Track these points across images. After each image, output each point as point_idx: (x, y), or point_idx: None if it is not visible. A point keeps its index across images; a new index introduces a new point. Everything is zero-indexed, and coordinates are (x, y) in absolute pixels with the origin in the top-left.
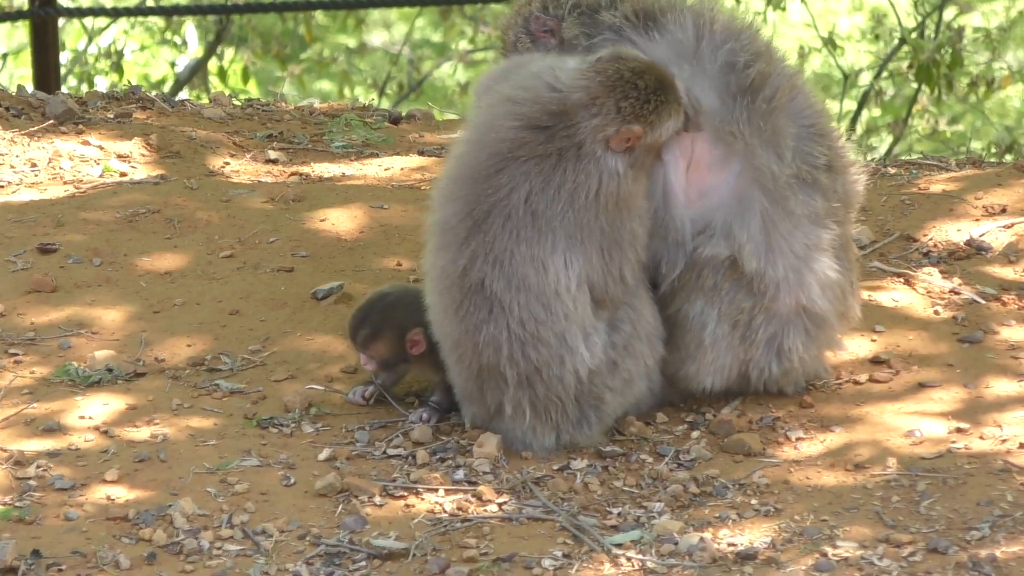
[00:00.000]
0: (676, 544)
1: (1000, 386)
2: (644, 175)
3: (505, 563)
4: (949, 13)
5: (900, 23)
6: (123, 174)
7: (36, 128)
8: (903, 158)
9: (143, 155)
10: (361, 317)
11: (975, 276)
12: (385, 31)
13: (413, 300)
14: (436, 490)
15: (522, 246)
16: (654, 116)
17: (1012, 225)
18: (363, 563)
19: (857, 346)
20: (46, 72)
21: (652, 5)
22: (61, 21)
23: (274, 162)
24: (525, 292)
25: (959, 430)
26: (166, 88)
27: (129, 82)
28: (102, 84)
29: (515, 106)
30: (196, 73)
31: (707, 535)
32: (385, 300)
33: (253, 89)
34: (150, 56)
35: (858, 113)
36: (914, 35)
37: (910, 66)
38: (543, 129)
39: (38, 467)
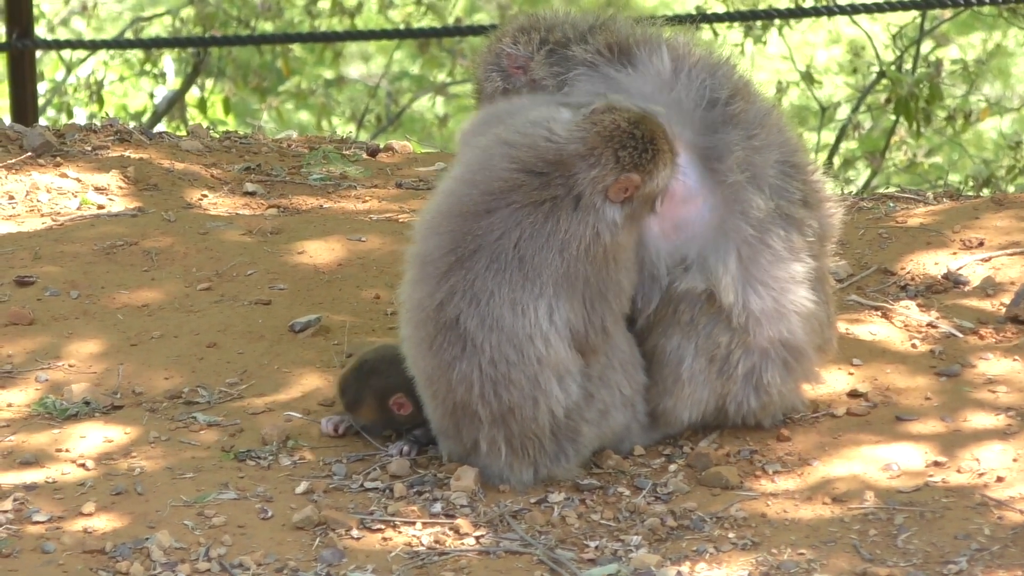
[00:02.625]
0: None
1: (977, 419)
2: (636, 228)
3: None
4: (927, 46)
5: (878, 56)
6: (101, 207)
7: (14, 160)
8: (880, 191)
9: (121, 188)
10: (342, 388)
11: (953, 310)
12: (363, 64)
13: (392, 362)
14: (414, 523)
15: (504, 288)
16: (652, 165)
17: (990, 259)
18: None
19: (835, 379)
20: (23, 104)
21: (626, 39)
22: (39, 52)
23: (252, 195)
24: (498, 332)
25: (936, 463)
26: (145, 119)
27: (107, 114)
28: (81, 115)
29: (511, 149)
30: (174, 105)
31: (684, 568)
32: (363, 369)
33: (231, 121)
34: (129, 87)
35: (836, 146)
36: (892, 68)
37: (888, 100)
38: (539, 175)
39: (15, 500)
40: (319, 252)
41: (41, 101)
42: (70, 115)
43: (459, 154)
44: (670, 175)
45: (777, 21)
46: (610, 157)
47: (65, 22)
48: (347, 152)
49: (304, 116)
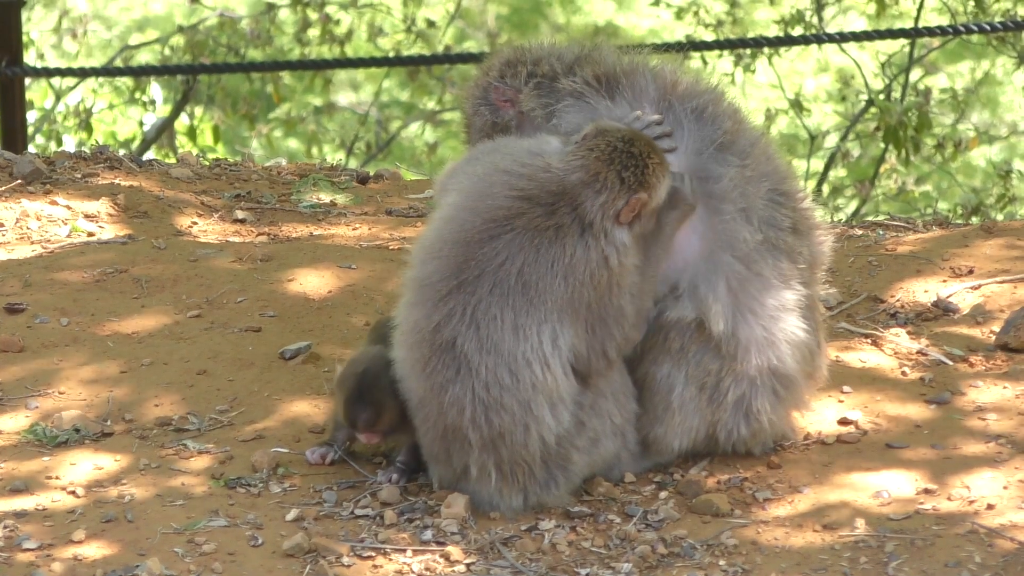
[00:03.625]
0: None
1: (968, 447)
2: (639, 248)
3: None
4: (915, 74)
5: (867, 84)
6: (91, 234)
7: (3, 188)
8: (870, 219)
9: (111, 215)
10: (354, 408)
11: (942, 337)
12: (352, 91)
13: (387, 365)
14: (404, 550)
15: (508, 312)
16: (654, 179)
17: (979, 286)
18: None
19: (825, 407)
20: (12, 131)
21: (613, 69)
22: (28, 80)
23: (242, 222)
24: (495, 355)
25: (927, 491)
26: (134, 146)
27: (97, 141)
28: (70, 143)
29: (511, 178)
30: (163, 132)
31: None
32: (367, 379)
33: (220, 149)
34: (118, 114)
35: (825, 174)
36: (881, 96)
37: (877, 128)
38: (542, 204)
39: (5, 527)
40: (309, 279)
41: (30, 129)
42: (59, 143)
43: (438, 201)
44: (668, 186)
45: (766, 49)
46: (615, 180)
47: (56, 45)
48: (337, 180)
49: (293, 143)
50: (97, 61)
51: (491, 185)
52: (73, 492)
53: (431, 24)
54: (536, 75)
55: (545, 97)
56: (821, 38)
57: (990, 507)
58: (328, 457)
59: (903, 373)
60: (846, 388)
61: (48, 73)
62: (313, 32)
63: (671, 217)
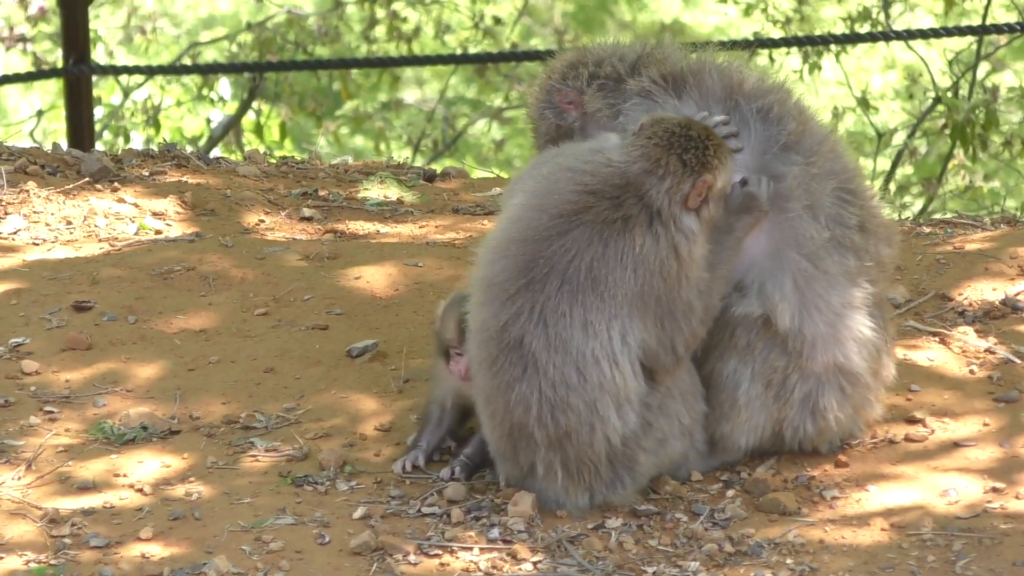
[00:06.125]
0: None
1: None
2: (706, 238)
3: None
4: (982, 71)
5: (934, 82)
6: (158, 232)
7: (71, 186)
8: (937, 217)
9: (178, 213)
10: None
11: (1010, 335)
12: (417, 88)
13: None
14: (471, 548)
15: (577, 309)
16: (716, 160)
17: None
18: None
19: (892, 405)
20: (80, 129)
21: (679, 67)
22: (95, 77)
23: (309, 220)
24: (563, 354)
25: (995, 489)
26: (201, 143)
27: (164, 139)
28: (137, 139)
29: (576, 175)
30: (230, 130)
31: None
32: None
33: (287, 146)
34: (186, 111)
35: (892, 172)
36: (948, 94)
37: (944, 126)
38: (608, 198)
39: (73, 525)
40: (376, 277)
41: (97, 126)
42: (127, 139)
43: (505, 205)
44: (732, 169)
45: (833, 47)
46: (677, 164)
47: (128, 39)
48: (404, 177)
49: (360, 141)
50: (165, 59)
51: (556, 182)
52: (140, 490)
53: (498, 21)
54: (599, 76)
55: (610, 97)
56: (888, 35)
57: None
58: (409, 464)
59: (971, 371)
60: (913, 386)
61: (115, 71)
62: (380, 29)
63: (743, 220)
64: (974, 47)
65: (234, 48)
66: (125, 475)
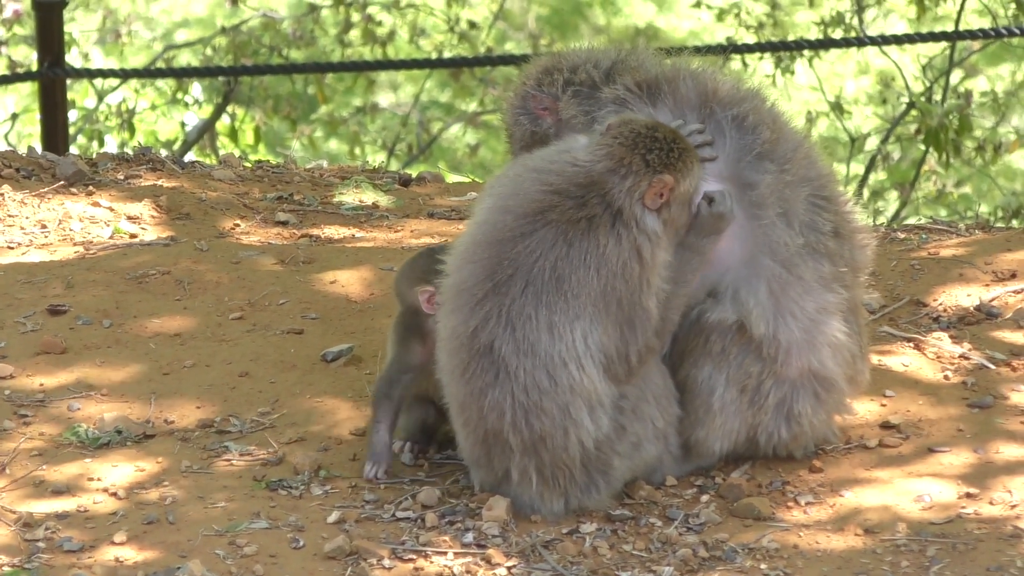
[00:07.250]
0: None
1: (1010, 451)
2: (670, 244)
3: None
4: (956, 77)
5: (908, 87)
6: (133, 235)
7: (46, 189)
8: (912, 222)
9: (153, 216)
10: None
11: (985, 341)
12: (392, 92)
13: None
14: (445, 553)
15: (542, 310)
16: (680, 163)
17: (1022, 290)
18: None
19: (867, 410)
20: (54, 132)
21: (654, 75)
22: (69, 80)
23: (284, 224)
24: (532, 358)
25: (969, 495)
26: (176, 147)
27: (139, 142)
28: (111, 143)
29: (542, 175)
30: (205, 133)
31: None
32: (435, 249)
33: (262, 150)
34: (160, 114)
35: (865, 177)
36: (922, 99)
37: (918, 131)
38: (572, 197)
39: (47, 529)
40: (351, 281)
41: (72, 129)
42: (101, 143)
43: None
44: (699, 176)
45: (807, 52)
46: (639, 163)
47: (99, 43)
48: (379, 182)
49: (334, 145)
50: (140, 62)
51: (522, 183)
52: (114, 494)
53: (473, 25)
54: (574, 83)
55: (585, 104)
56: (862, 40)
57: None
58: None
59: (945, 377)
60: (888, 392)
61: (90, 75)
62: (355, 33)
63: (711, 240)
64: (947, 52)
65: (209, 52)
66: (99, 479)
